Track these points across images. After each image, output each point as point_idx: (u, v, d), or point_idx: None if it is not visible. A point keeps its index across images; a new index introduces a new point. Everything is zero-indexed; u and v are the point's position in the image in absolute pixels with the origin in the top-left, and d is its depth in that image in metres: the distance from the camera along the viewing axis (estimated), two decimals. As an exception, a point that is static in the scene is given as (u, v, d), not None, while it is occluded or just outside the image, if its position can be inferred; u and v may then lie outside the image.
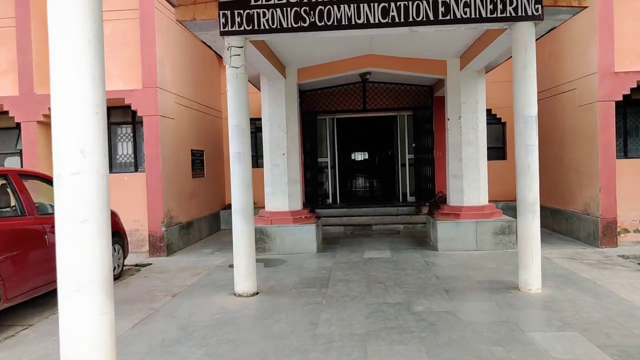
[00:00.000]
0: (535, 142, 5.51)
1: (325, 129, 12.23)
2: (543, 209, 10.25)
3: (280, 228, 8.27)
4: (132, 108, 8.37)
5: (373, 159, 31.96)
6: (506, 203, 10.88)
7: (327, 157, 12.28)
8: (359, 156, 48.47)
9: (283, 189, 8.55)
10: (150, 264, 7.80)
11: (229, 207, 11.10)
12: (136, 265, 7.72)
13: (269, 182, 8.67)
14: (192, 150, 9.93)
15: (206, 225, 10.61)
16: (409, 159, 12.15)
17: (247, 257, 5.70)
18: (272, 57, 7.64)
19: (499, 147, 11.53)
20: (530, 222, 5.46)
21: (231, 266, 6.47)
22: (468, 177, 8.38)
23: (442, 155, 11.06)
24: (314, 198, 11.46)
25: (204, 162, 10.66)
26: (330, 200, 12.27)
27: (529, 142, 5.50)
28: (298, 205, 8.72)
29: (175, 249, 8.84)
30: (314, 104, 11.58)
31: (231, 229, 5.88)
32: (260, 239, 8.25)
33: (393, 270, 6.77)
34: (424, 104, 11.39)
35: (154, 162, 8.29)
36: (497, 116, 11.40)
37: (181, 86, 9.47)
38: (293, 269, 7.08)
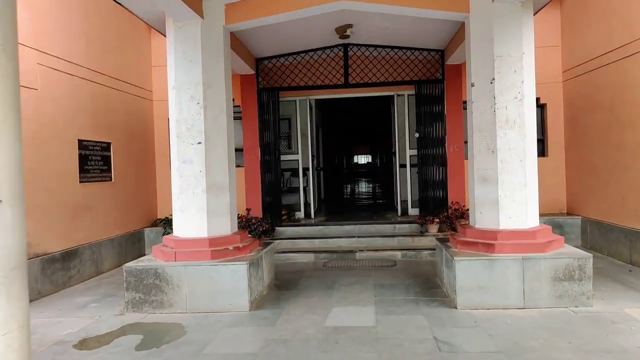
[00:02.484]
0: None
1: (296, 114, 8.86)
2: (608, 228, 6.83)
3: (189, 268, 4.90)
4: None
5: (380, 160, 28.41)
6: (550, 218, 7.43)
7: (298, 153, 8.89)
8: (361, 157, 45.25)
9: (198, 201, 5.17)
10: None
11: (162, 222, 7.77)
12: None
13: (176, 189, 5.30)
14: (81, 141, 6.60)
15: (112, 253, 7.24)
16: (410, 156, 8.74)
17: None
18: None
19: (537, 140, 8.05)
20: None
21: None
22: (508, 180, 4.96)
23: (458, 151, 7.64)
24: (275, 212, 8.07)
25: (110, 160, 7.32)
26: (302, 214, 8.88)
27: None
28: (225, 227, 5.33)
29: (35, 296, 5.50)
30: (275, 78, 8.21)
31: None
32: (155, 286, 4.88)
33: (371, 369, 3.38)
34: (432, 76, 7.98)
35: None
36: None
37: (61, 44, 6.15)
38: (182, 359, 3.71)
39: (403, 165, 8.76)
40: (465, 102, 8.09)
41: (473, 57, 5.18)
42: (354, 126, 26.09)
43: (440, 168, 7.85)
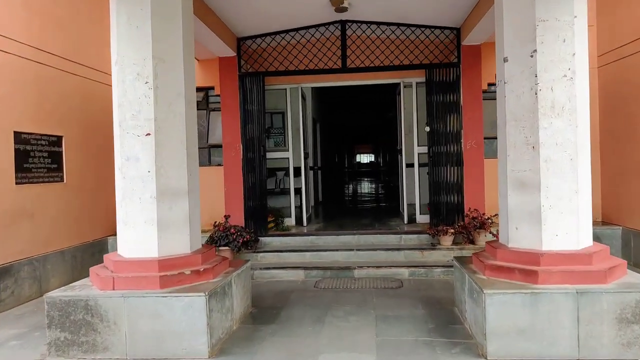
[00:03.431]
0: None
1: (286, 105, 7.64)
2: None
3: (131, 300, 3.69)
4: None
5: (384, 159, 27.13)
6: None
7: (289, 150, 7.67)
8: (364, 156, 44.10)
9: (146, 211, 3.96)
10: None
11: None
12: None
13: (119, 195, 4.10)
14: (19, 133, 5.41)
15: (62, 269, 6.05)
16: (419, 155, 7.50)
17: None
18: None
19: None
20: None
21: None
22: (554, 185, 3.73)
23: (476, 148, 6.42)
24: (260, 219, 6.86)
25: (61, 157, 6.13)
26: (293, 221, 7.67)
27: None
28: (183, 244, 4.11)
29: (-55, 330, 4.31)
30: (260, 61, 6.99)
31: None
32: (86, 323, 3.68)
33: None
34: (446, 59, 6.75)
35: None
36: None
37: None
38: None
39: (410, 165, 7.53)
40: (486, 91, 6.89)
41: (506, 23, 3.95)
42: (356, 120, 24.89)
43: (455, 168, 6.62)
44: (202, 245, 4.47)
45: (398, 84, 7.64)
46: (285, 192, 7.91)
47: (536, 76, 3.74)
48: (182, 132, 4.11)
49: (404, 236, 6.67)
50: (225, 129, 6.83)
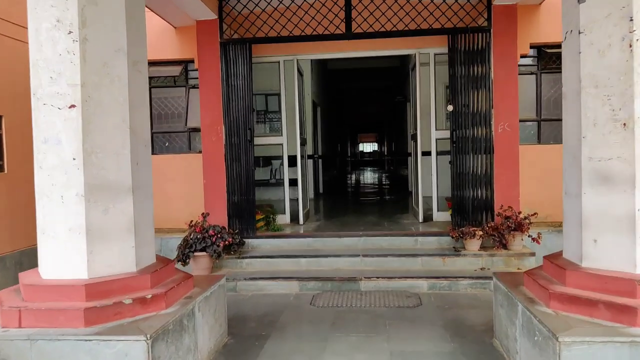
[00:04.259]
0: None
1: (279, 81, 6.43)
2: None
3: (40, 345, 2.54)
4: None
5: (389, 147, 25.89)
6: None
7: (282, 136, 6.48)
8: (367, 145, 42.94)
9: (71, 214, 2.80)
10: None
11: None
12: None
13: (36, 191, 2.94)
14: None
15: (2, 279, 4.93)
16: (437, 140, 6.31)
17: None
18: None
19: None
20: None
21: None
22: (660, 181, 2.56)
23: (510, 132, 5.26)
24: (247, 217, 5.70)
25: (1, 141, 4.98)
26: (288, 219, 6.51)
27: None
28: (125, 260, 2.96)
29: None
30: (247, 26, 5.78)
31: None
32: (-24, 377, 2.55)
33: None
34: (472, 23, 5.52)
35: None
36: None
37: None
38: None
39: (427, 153, 6.34)
40: (524, 61, 5.71)
41: (584, -53, 2.74)
42: (360, 107, 23.65)
43: (484, 156, 5.43)
44: (158, 258, 3.32)
45: (413, 56, 6.40)
46: (280, 183, 6.76)
47: (631, 20, 2.56)
48: (123, 105, 2.93)
49: (420, 238, 5.52)
50: (204, 109, 5.65)
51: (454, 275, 4.87)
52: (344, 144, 24.77)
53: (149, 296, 2.83)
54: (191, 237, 5.16)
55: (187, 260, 5.08)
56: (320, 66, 12.65)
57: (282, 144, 6.47)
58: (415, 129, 6.52)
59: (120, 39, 2.92)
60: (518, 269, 5.03)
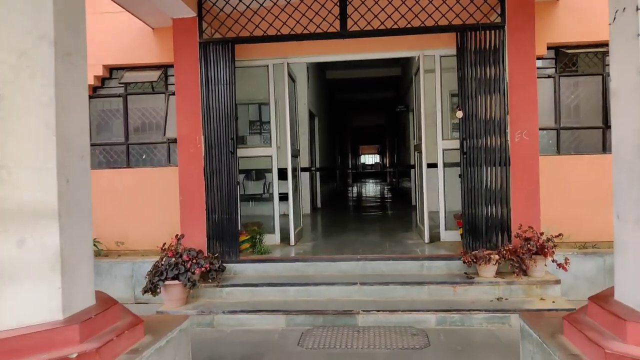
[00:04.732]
0: None
1: (268, 87, 5.80)
2: None
3: None
4: None
5: (391, 159, 25.21)
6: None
7: (272, 146, 5.83)
8: (369, 157, 42.46)
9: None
10: None
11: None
12: None
13: None
14: None
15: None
16: (444, 151, 5.64)
17: None
18: None
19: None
20: None
21: None
22: None
23: (528, 141, 4.60)
24: (229, 238, 5.02)
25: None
26: (277, 239, 5.83)
27: None
28: (50, 307, 2.28)
29: None
30: (229, 24, 5.16)
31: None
32: None
33: None
34: (485, 19, 4.88)
35: None
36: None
37: None
38: None
39: (432, 165, 5.67)
40: (540, 63, 5.10)
41: None
42: (363, 114, 23.05)
43: (498, 169, 4.76)
44: (100, 299, 2.64)
45: (416, 58, 5.77)
46: (267, 200, 6.10)
47: None
48: (48, 106, 2.28)
49: (426, 263, 4.82)
50: (181, 116, 5.00)
51: (467, 308, 4.17)
52: (345, 155, 24.13)
53: (74, 355, 2.15)
54: (162, 262, 4.48)
55: (158, 290, 4.40)
56: (318, 75, 12.07)
57: (271, 156, 5.82)
58: (420, 139, 5.87)
59: (43, 22, 2.28)
60: (541, 299, 4.33)
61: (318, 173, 11.06)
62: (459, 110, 4.85)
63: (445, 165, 5.66)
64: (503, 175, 4.76)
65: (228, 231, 5.00)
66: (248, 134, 8.07)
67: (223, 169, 4.99)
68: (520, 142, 4.74)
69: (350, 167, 28.59)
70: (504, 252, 4.47)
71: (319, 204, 10.75)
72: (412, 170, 10.57)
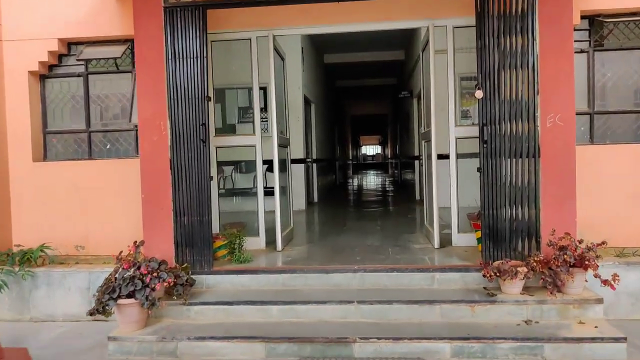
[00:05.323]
0: None
1: (252, 65, 4.93)
2: None
3: None
4: None
5: (393, 150, 24.28)
6: None
7: (255, 135, 4.98)
8: (369, 148, 41.62)
9: None
10: None
11: (10, 256, 4.07)
12: None
13: None
14: None
15: None
16: (457, 140, 4.79)
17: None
18: None
19: None
20: None
21: None
22: None
23: (563, 127, 3.72)
24: (201, 244, 4.19)
25: None
26: (263, 243, 5.02)
27: None
28: None
29: None
30: (203, -11, 4.28)
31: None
32: None
33: None
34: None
35: None
36: None
37: None
38: None
39: (444, 156, 4.82)
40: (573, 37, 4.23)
41: None
42: (363, 102, 22.11)
43: (526, 161, 3.91)
44: None
45: (424, 30, 4.89)
46: (251, 195, 5.27)
47: None
48: None
49: (438, 275, 4.00)
50: (142, 97, 4.15)
51: (489, 336, 3.35)
52: (345, 146, 23.22)
53: None
54: (116, 276, 3.67)
55: (110, 310, 3.58)
56: (315, 59, 11.18)
57: (254, 145, 4.98)
58: (429, 125, 5.01)
59: None
60: (580, 322, 3.51)
61: (315, 165, 10.22)
62: (478, 89, 3.99)
63: (458, 156, 4.81)
64: (531, 169, 3.90)
65: (200, 236, 4.17)
66: (237, 122, 7.24)
67: (193, 161, 4.15)
68: (552, 128, 3.88)
69: (350, 158, 27.69)
70: (534, 263, 3.64)
71: (315, 199, 9.92)
72: (417, 162, 9.72)
